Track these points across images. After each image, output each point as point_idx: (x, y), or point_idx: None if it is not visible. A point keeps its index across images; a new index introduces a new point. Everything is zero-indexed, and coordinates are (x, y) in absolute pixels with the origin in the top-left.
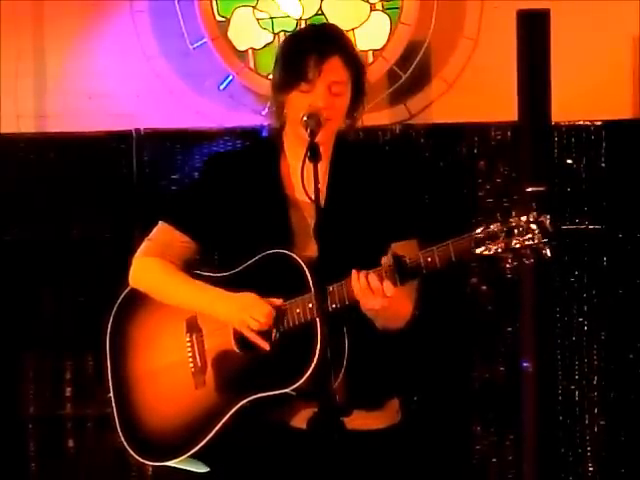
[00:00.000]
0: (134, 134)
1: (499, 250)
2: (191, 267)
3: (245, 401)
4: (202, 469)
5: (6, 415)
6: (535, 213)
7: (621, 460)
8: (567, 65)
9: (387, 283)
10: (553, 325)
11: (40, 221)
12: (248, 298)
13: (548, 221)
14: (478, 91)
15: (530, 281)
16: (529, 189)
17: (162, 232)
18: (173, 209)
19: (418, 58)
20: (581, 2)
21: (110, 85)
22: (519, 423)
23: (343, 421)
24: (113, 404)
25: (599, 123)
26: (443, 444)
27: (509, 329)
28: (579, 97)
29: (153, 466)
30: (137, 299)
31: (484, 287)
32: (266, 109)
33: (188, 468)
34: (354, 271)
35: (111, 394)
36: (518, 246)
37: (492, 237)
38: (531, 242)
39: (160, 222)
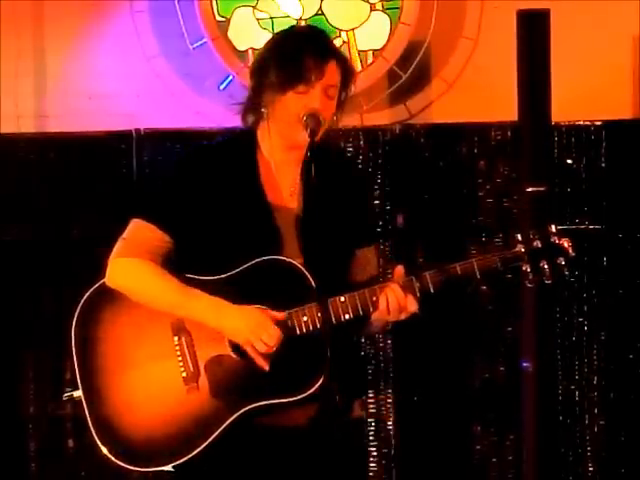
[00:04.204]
0: (134, 134)
1: (524, 269)
2: (174, 268)
3: (249, 407)
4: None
5: (6, 415)
6: (557, 237)
7: (621, 460)
8: (567, 65)
9: (410, 297)
10: (553, 325)
11: (40, 221)
12: (259, 318)
13: (570, 245)
14: (478, 91)
15: None
16: (529, 189)
17: (137, 230)
18: (149, 207)
19: (418, 58)
20: (581, 2)
21: (110, 85)
22: (519, 423)
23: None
24: (85, 408)
25: (599, 123)
26: (443, 444)
27: (509, 329)
28: (579, 97)
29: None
30: (106, 297)
31: (484, 287)
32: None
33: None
34: (391, 284)
35: (75, 394)
36: (542, 267)
37: (518, 258)
38: (555, 265)
39: (134, 220)
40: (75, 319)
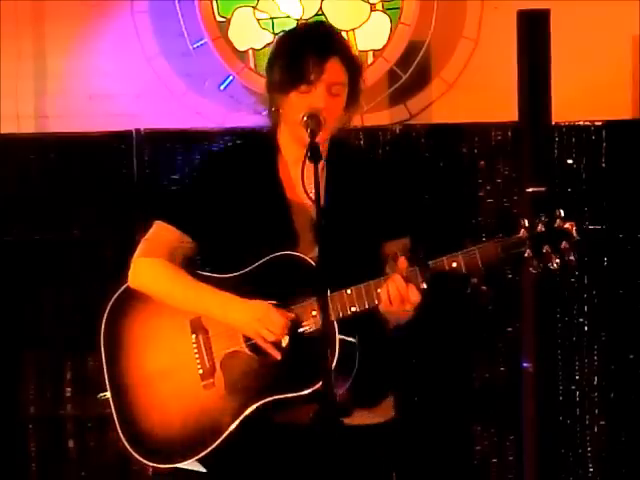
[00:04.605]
0: (134, 134)
1: (526, 255)
2: (193, 267)
3: (260, 403)
4: (201, 469)
5: (7, 415)
6: (560, 220)
7: (621, 460)
8: (567, 65)
9: (412, 287)
10: (553, 325)
11: (40, 221)
12: (263, 308)
13: (574, 228)
14: (478, 91)
15: (530, 281)
16: (529, 189)
17: (160, 231)
18: (170, 208)
19: (418, 58)
20: (581, 2)
21: (110, 85)
22: (519, 423)
23: (343, 420)
24: (112, 406)
25: (599, 123)
26: (443, 444)
27: (509, 329)
28: (579, 97)
29: (157, 468)
30: (132, 298)
31: (484, 287)
32: (260, 106)
33: (189, 468)
34: (393, 275)
35: (108, 395)
36: (545, 252)
37: (520, 243)
38: (559, 249)
39: (156, 221)
40: (104, 321)
